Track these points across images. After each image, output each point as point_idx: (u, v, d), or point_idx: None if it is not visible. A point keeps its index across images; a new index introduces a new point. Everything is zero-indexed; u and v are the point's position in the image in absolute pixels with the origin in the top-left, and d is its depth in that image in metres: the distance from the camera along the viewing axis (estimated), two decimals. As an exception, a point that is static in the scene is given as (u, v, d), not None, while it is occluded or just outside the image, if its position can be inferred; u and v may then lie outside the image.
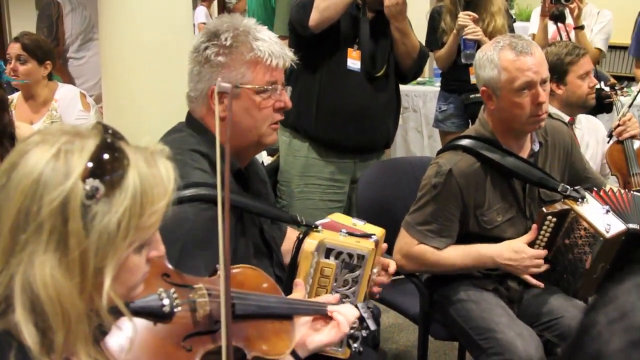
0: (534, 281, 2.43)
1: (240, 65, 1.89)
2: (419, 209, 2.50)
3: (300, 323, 1.65)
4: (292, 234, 2.22)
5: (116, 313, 1.14)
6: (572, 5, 4.25)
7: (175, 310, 1.29)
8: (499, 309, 2.46)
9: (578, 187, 2.46)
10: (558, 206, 2.43)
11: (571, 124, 3.25)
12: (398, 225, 2.62)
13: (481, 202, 2.46)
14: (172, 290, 1.31)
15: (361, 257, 1.96)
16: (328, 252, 1.93)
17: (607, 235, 2.35)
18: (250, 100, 1.92)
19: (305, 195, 3.23)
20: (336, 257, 1.94)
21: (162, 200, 1.14)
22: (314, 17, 2.99)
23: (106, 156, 1.09)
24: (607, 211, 2.40)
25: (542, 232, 2.43)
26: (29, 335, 1.05)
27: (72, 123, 3.63)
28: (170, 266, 1.40)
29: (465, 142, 2.48)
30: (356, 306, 1.82)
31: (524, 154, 2.52)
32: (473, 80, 4.03)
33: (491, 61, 2.39)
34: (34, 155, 1.08)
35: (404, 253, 2.53)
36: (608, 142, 3.32)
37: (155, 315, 1.27)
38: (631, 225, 2.40)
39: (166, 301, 1.28)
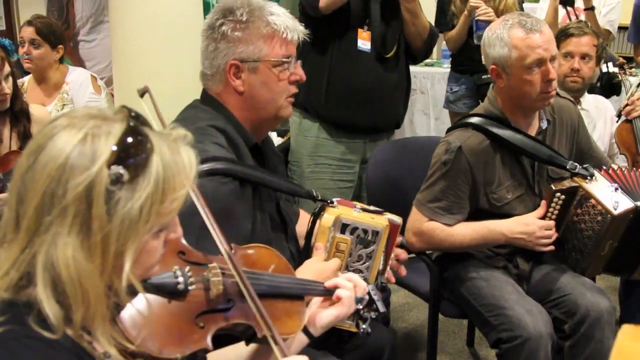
0: (546, 249, 2.44)
1: (257, 39, 1.92)
2: (429, 187, 2.51)
3: (311, 302, 1.67)
4: (305, 217, 2.22)
5: (132, 292, 1.17)
6: None
7: (189, 288, 1.30)
8: (509, 287, 2.48)
9: (587, 165, 2.47)
10: (567, 183, 2.45)
11: (575, 104, 3.25)
12: (407, 204, 2.64)
13: (491, 180, 2.48)
14: (187, 268, 1.32)
15: (375, 233, 1.98)
16: (344, 227, 1.95)
17: (615, 213, 2.37)
18: (268, 73, 1.95)
19: (316, 175, 3.24)
20: (351, 233, 1.96)
21: (184, 187, 1.16)
22: None
23: (131, 142, 1.10)
24: (616, 189, 2.42)
25: (551, 210, 2.44)
26: (50, 310, 1.08)
27: (84, 106, 3.67)
28: (186, 244, 1.40)
29: (474, 119, 2.50)
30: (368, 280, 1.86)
31: (532, 131, 2.54)
32: (485, 60, 4.06)
33: (501, 39, 2.41)
34: (61, 139, 1.09)
35: (414, 230, 2.55)
36: (617, 121, 3.32)
37: (170, 292, 1.28)
38: None
39: (181, 279, 1.29)
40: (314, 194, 2.06)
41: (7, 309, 1.10)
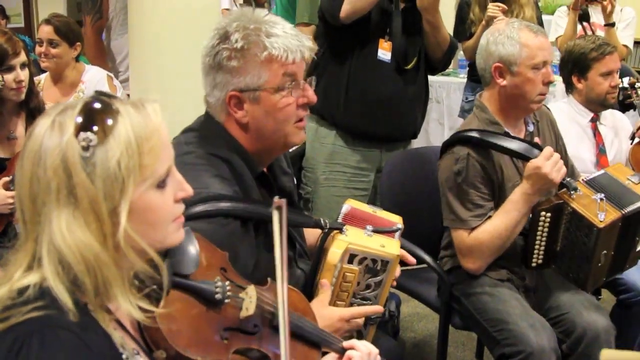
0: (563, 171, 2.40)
1: (254, 67, 1.77)
2: (450, 205, 2.49)
3: (326, 357, 1.66)
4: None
5: (154, 266, 1.24)
6: (605, 3, 4.24)
7: (225, 300, 1.35)
8: (514, 301, 2.48)
9: (569, 179, 2.46)
10: (553, 199, 2.45)
11: (595, 120, 3.25)
12: (420, 213, 2.64)
13: (500, 180, 2.50)
14: (227, 283, 1.38)
15: (385, 263, 1.90)
16: (351, 257, 1.86)
17: (602, 226, 2.36)
18: (270, 101, 1.80)
19: (330, 182, 3.23)
20: (359, 263, 1.87)
21: (155, 135, 1.21)
22: (345, 9, 2.96)
23: (94, 109, 1.17)
24: (601, 199, 2.41)
25: (540, 228, 2.44)
26: (60, 293, 1.14)
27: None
28: (229, 263, 1.47)
29: (471, 134, 2.50)
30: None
31: (521, 134, 2.58)
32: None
33: (511, 38, 2.48)
34: (36, 129, 1.18)
35: (463, 252, 2.51)
36: (631, 144, 3.31)
37: (207, 298, 1.34)
38: (627, 209, 2.42)
39: (219, 289, 1.35)
40: (322, 223, 1.92)
41: (46, 294, 1.15)
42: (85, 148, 1.14)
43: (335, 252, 1.84)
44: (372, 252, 1.88)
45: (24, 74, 2.84)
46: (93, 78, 3.87)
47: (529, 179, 2.39)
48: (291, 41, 1.79)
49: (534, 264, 2.51)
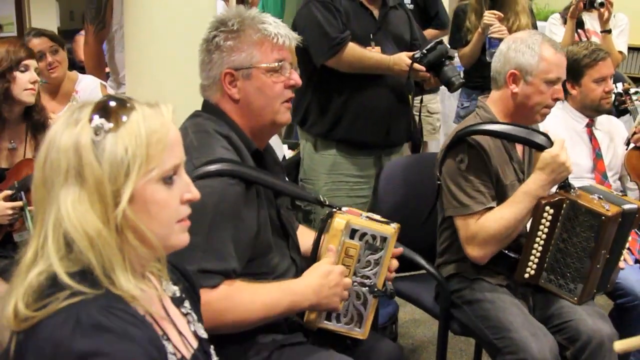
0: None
1: (249, 46, 1.95)
2: (453, 194, 2.50)
3: None
4: (304, 233, 2.25)
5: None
6: (602, 10, 4.25)
7: None
8: (514, 308, 2.48)
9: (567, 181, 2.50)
10: (555, 196, 2.47)
11: (590, 125, 3.26)
12: (417, 220, 2.64)
13: (499, 177, 2.52)
14: None
15: (384, 239, 2.01)
16: (353, 232, 1.98)
17: (609, 214, 2.38)
18: (262, 79, 1.96)
19: (333, 192, 3.25)
20: (360, 238, 1.99)
21: (164, 128, 1.28)
22: (335, 64, 3.11)
23: (110, 105, 1.25)
24: (600, 197, 2.46)
25: (543, 223, 2.45)
26: (60, 274, 1.19)
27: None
28: None
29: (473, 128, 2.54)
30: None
31: (519, 148, 2.63)
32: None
33: (532, 49, 2.54)
34: (56, 124, 1.26)
35: (468, 240, 2.50)
36: (626, 149, 3.32)
37: None
38: (625, 206, 2.44)
39: None
40: (322, 199, 2.08)
41: (81, 277, 1.21)
42: (97, 133, 1.21)
43: (339, 221, 1.98)
44: (371, 227, 2.01)
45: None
46: (87, 87, 3.84)
47: (545, 169, 2.41)
48: (281, 29, 1.99)
49: (526, 275, 2.51)
